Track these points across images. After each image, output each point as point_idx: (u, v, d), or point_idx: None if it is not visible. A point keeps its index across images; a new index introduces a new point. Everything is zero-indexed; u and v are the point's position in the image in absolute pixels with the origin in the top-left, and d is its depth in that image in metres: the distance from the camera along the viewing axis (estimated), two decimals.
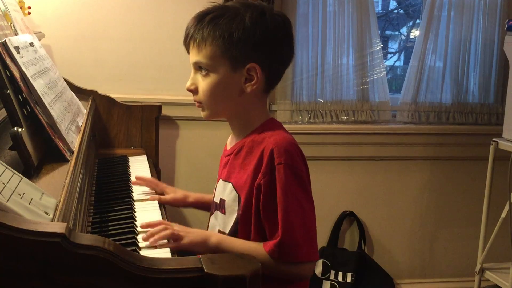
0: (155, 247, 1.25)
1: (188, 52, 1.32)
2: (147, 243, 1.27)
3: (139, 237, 1.30)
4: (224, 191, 1.32)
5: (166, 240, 1.27)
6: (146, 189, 1.69)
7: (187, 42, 1.30)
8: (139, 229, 1.35)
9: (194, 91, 1.31)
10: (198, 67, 1.29)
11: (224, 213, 1.31)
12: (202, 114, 1.34)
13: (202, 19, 1.27)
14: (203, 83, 1.28)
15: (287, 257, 1.20)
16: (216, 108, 1.32)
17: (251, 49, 1.24)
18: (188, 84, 1.32)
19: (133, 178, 1.80)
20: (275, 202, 1.20)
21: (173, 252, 1.24)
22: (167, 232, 1.27)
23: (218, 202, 1.35)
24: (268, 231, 1.22)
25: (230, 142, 1.40)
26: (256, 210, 1.24)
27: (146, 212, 1.52)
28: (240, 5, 1.27)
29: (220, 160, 1.43)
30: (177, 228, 1.29)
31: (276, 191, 1.20)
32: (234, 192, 1.29)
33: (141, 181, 1.71)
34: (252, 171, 1.25)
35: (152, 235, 1.27)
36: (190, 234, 1.28)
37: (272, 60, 1.28)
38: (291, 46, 1.33)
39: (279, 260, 1.20)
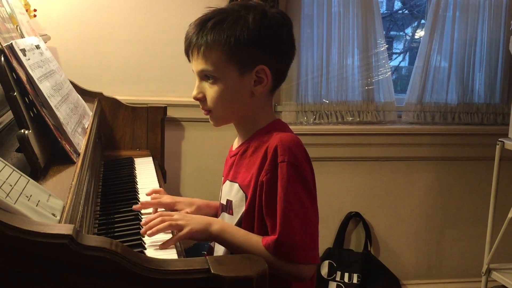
0: (164, 248, 1.25)
1: (190, 61, 1.28)
2: (151, 239, 1.26)
3: (145, 239, 1.29)
4: (231, 192, 1.31)
5: (170, 235, 1.26)
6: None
7: (190, 50, 1.26)
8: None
9: (202, 100, 1.28)
10: (204, 75, 1.26)
11: (232, 214, 1.30)
12: (212, 122, 1.32)
13: (204, 25, 1.23)
14: (211, 90, 1.25)
15: (284, 255, 1.18)
16: (227, 114, 1.30)
17: (258, 51, 1.23)
18: (195, 93, 1.28)
19: (139, 180, 1.80)
20: (276, 200, 1.19)
21: (179, 253, 1.24)
22: (165, 224, 1.25)
23: (225, 203, 1.33)
24: (270, 229, 1.21)
25: (236, 143, 1.39)
26: (259, 208, 1.22)
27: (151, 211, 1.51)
28: (240, 7, 1.25)
29: (225, 162, 1.42)
30: (176, 216, 1.27)
31: (277, 189, 1.19)
32: (241, 191, 1.27)
33: (148, 204, 1.50)
34: (257, 169, 1.23)
35: (150, 227, 1.25)
36: (191, 221, 1.25)
37: (278, 60, 1.27)
38: (293, 42, 1.30)
39: (276, 257, 1.18)
